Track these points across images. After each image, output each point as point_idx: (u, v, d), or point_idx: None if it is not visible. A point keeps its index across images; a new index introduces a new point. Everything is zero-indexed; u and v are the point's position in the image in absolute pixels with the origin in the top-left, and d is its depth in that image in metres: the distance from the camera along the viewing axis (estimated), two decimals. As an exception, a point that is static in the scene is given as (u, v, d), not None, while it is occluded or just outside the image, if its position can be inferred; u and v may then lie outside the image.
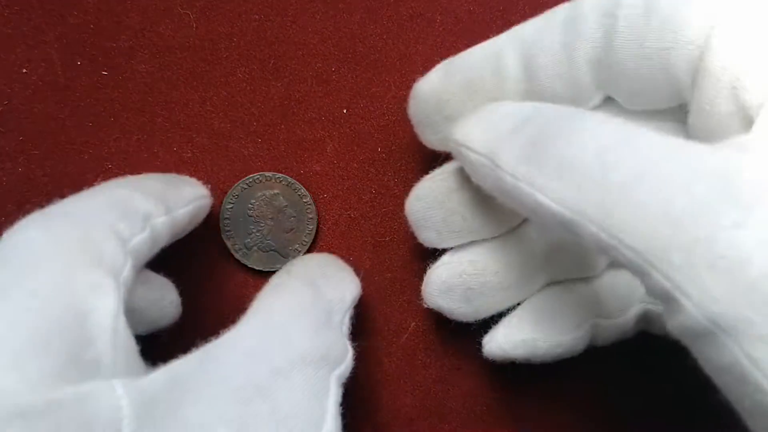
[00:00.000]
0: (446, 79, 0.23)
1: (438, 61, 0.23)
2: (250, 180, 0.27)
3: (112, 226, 0.18)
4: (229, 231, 0.27)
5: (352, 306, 0.22)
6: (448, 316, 0.24)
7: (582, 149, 0.15)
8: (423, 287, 0.24)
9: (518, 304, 0.24)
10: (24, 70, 0.27)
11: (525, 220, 0.23)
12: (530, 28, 0.21)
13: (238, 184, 0.27)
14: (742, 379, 0.13)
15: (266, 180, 0.27)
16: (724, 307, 0.13)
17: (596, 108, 0.22)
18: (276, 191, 0.27)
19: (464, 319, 0.24)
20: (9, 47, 0.27)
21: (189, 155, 0.27)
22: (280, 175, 0.27)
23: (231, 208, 0.27)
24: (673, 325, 0.14)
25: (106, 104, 0.27)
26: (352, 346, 0.20)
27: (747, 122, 0.18)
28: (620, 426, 0.26)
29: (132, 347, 0.17)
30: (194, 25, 0.28)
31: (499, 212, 0.23)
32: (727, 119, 0.18)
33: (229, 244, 0.27)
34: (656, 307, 0.23)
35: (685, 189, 0.14)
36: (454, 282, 0.23)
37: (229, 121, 0.28)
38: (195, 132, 0.27)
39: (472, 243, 0.23)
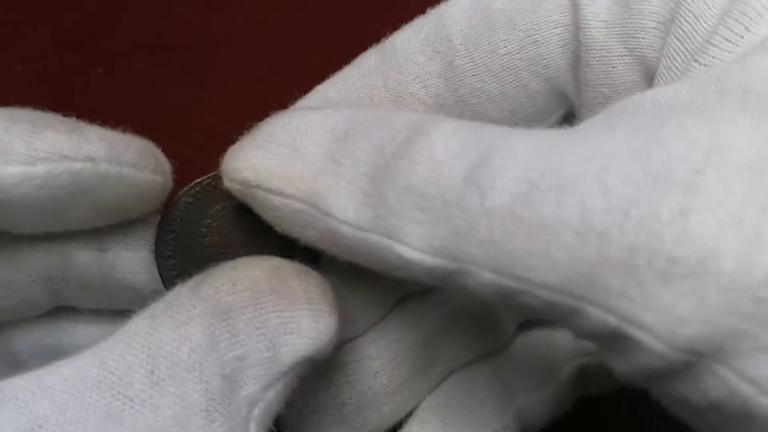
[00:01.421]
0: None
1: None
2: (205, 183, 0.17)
3: None
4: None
5: (302, 365, 0.13)
6: None
7: (444, 174, 0.11)
8: None
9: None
10: (19, 68, 0.27)
11: (404, 295, 0.17)
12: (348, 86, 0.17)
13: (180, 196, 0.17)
14: (744, 412, 0.10)
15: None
16: (698, 326, 0.09)
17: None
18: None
19: None
20: (4, 45, 0.27)
21: (186, 156, 0.27)
22: None
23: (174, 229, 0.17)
24: (630, 369, 0.11)
25: (102, 103, 0.27)
26: None
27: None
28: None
29: None
30: (192, 23, 0.28)
31: (374, 283, 0.16)
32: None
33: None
34: (593, 359, 0.18)
35: (596, 187, 0.10)
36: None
37: (227, 122, 0.27)
38: (192, 132, 0.27)
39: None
